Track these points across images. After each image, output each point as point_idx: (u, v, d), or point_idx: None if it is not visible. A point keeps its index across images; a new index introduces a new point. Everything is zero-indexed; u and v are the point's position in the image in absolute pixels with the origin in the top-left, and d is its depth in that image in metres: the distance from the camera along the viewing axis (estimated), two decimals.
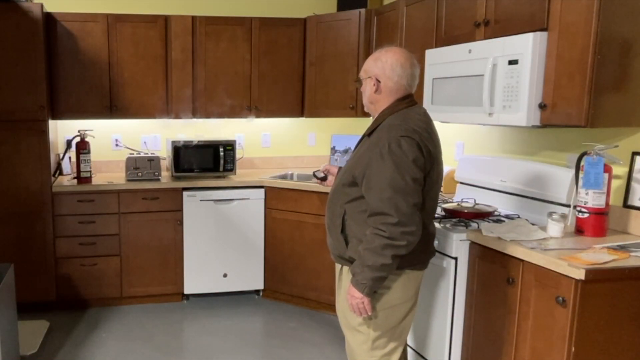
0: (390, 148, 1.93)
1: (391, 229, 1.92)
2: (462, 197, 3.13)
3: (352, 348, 2.24)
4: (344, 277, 2.21)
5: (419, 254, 2.10)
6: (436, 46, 3.10)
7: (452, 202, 3.06)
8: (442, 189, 3.39)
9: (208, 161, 4.12)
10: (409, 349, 2.84)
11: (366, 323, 2.15)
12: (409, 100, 2.10)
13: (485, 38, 2.67)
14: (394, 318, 2.14)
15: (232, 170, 4.17)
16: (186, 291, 4.09)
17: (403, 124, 1.98)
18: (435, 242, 2.36)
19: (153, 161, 4.04)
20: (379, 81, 2.07)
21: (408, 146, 1.93)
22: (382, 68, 2.07)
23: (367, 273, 1.98)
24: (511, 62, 2.43)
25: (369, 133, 2.09)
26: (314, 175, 2.46)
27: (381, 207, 1.94)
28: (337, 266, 2.28)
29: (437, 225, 2.59)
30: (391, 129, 1.98)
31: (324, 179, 2.45)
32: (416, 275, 2.16)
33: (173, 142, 4.08)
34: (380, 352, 2.16)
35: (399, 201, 1.92)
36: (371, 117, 2.22)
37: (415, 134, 1.96)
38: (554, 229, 2.31)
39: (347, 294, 2.08)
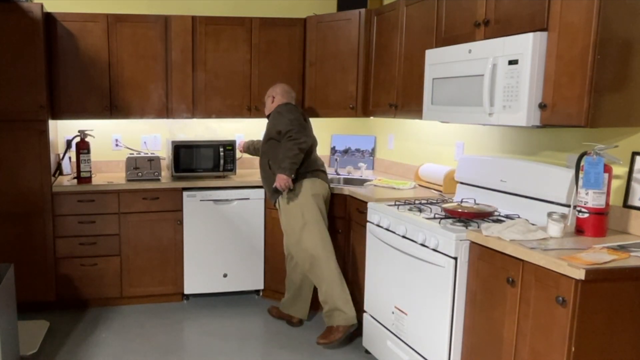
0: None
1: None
2: (462, 197, 3.13)
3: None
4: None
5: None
6: (436, 46, 3.10)
7: (452, 202, 3.06)
8: (442, 189, 3.41)
9: (208, 161, 4.13)
10: (409, 349, 2.85)
11: None
12: (286, 103, 3.61)
13: (485, 38, 2.67)
14: None
15: (232, 170, 4.17)
16: (186, 291, 4.09)
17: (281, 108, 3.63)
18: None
19: (153, 161, 4.04)
20: (274, 97, 3.71)
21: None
22: (276, 92, 3.72)
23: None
24: (511, 62, 2.43)
25: (268, 116, 3.73)
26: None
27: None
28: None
29: (437, 224, 2.61)
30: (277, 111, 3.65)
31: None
32: None
33: (173, 142, 4.08)
34: None
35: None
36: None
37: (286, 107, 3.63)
38: (554, 229, 2.31)
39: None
